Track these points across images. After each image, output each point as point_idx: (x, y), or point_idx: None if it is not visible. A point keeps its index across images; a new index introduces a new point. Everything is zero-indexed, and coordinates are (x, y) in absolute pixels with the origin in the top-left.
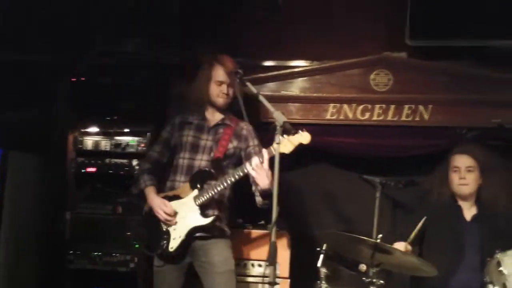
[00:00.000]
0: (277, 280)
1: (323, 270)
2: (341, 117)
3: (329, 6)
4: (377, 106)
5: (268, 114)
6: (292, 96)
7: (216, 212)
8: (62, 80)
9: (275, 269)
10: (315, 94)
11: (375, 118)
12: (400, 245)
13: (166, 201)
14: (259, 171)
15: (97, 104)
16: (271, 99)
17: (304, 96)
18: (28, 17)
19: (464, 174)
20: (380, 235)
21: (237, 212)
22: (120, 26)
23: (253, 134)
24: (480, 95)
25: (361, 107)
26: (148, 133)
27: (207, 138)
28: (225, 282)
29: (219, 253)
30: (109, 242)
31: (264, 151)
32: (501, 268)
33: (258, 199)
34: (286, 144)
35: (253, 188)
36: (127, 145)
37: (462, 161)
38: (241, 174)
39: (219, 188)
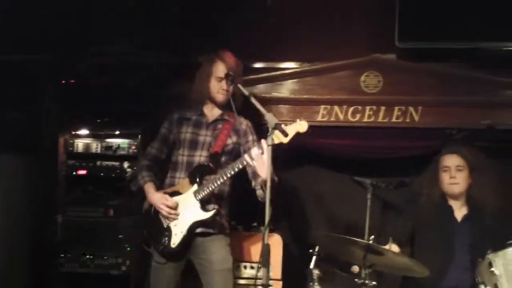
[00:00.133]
0: (270, 282)
1: (316, 272)
2: (332, 119)
3: (319, 9)
4: (368, 107)
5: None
6: (282, 98)
7: (216, 207)
8: (52, 82)
9: (268, 271)
10: (305, 96)
11: (365, 119)
12: (394, 246)
13: (166, 195)
14: (260, 160)
15: (88, 106)
16: (261, 101)
17: (295, 98)
18: (23, 19)
19: (454, 173)
20: (372, 236)
21: (230, 214)
22: (120, 26)
23: (252, 129)
24: (469, 97)
25: (351, 108)
26: (139, 135)
27: (206, 133)
28: (223, 281)
29: (217, 251)
30: (101, 245)
31: (263, 141)
32: (492, 269)
33: (259, 192)
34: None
35: (253, 183)
36: (118, 147)
37: (451, 160)
38: (241, 166)
39: (218, 182)
